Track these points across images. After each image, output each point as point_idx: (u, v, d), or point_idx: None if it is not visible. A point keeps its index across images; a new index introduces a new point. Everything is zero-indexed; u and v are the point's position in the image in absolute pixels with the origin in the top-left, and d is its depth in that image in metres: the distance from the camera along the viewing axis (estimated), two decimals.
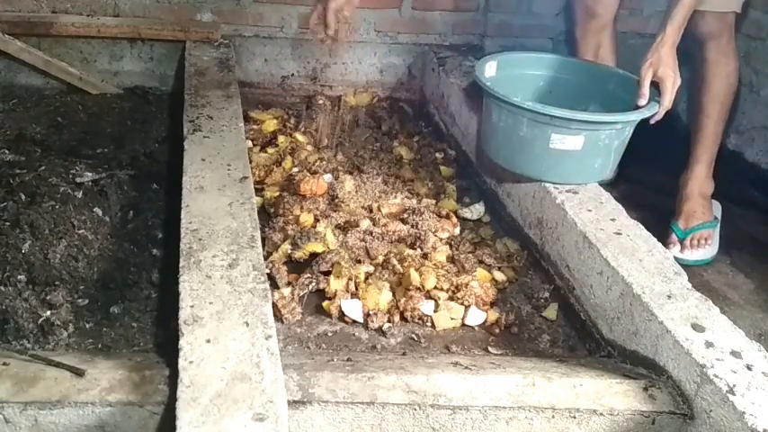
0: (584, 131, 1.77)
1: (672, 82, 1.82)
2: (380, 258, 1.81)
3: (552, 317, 1.73)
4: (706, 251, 2.06)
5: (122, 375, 1.24)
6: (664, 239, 1.82)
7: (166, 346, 1.38)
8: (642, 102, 1.84)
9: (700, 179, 2.10)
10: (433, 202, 2.11)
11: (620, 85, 2.01)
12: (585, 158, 1.82)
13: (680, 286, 1.49)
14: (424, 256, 1.83)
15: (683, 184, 2.13)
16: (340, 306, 1.64)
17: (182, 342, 1.21)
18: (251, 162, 2.02)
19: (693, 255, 2.04)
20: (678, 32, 1.84)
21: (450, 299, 1.70)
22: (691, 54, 2.09)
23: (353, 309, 1.64)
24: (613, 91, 2.02)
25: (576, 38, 2.36)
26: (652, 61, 1.82)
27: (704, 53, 2.07)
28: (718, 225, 2.13)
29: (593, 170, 1.86)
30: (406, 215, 1.99)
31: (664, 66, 1.81)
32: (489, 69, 1.99)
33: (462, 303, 1.69)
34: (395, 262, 1.77)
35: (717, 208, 2.17)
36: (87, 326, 1.50)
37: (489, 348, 1.61)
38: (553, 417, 1.29)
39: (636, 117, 1.80)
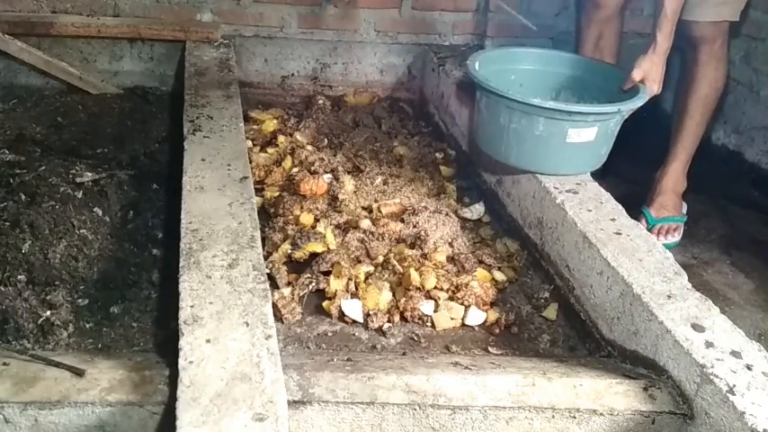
0: (598, 123, 1.83)
1: (651, 91, 1.89)
2: (380, 258, 1.81)
3: (552, 317, 1.73)
4: (669, 241, 2.13)
5: (122, 375, 1.24)
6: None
7: (166, 346, 1.38)
8: (625, 87, 1.92)
9: (675, 176, 2.19)
10: (433, 202, 2.11)
11: (588, 70, 2.09)
12: (596, 147, 1.89)
13: (680, 286, 1.49)
14: (424, 256, 1.83)
15: (659, 177, 2.20)
16: (340, 306, 1.64)
17: (182, 342, 1.21)
18: (251, 162, 2.02)
19: (659, 240, 2.09)
20: (668, 39, 1.89)
21: (451, 299, 1.71)
22: (683, 52, 2.13)
23: (353, 309, 1.64)
24: (582, 77, 2.10)
25: (580, 26, 2.39)
26: (643, 70, 1.89)
27: (696, 55, 2.11)
28: (685, 220, 2.21)
29: (601, 157, 1.95)
30: (406, 215, 1.99)
31: (651, 78, 1.89)
32: (477, 70, 2.00)
33: (462, 303, 1.69)
34: (395, 262, 1.77)
35: (684, 206, 2.26)
36: (87, 326, 1.50)
37: (489, 348, 1.61)
38: (553, 417, 1.29)
39: (639, 102, 1.85)
